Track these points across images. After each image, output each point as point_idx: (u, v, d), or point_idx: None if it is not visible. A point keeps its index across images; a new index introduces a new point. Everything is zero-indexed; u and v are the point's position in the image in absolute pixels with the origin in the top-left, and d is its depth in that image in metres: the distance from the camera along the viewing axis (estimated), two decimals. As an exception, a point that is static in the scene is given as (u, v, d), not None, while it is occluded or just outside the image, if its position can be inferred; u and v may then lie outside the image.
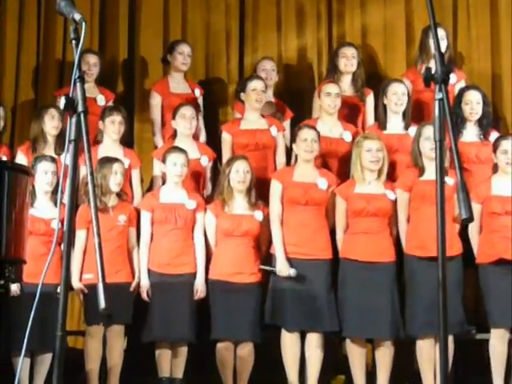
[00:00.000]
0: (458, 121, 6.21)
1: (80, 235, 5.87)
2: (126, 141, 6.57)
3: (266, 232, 5.99)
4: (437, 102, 2.70)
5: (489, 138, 6.29)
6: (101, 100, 6.77)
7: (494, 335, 5.71)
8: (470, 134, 6.30)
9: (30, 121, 6.56)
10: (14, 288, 5.51)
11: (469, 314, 5.87)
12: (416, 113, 6.50)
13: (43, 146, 6.34)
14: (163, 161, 6.09)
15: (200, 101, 6.98)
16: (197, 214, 6.04)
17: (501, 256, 5.69)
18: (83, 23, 2.84)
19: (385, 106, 6.41)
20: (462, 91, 6.40)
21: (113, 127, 6.31)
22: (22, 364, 5.49)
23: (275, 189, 6.00)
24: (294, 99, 7.28)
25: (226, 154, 6.45)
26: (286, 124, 6.84)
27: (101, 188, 5.87)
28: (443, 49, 6.40)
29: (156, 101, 6.87)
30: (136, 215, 6.05)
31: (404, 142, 6.30)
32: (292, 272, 5.80)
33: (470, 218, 2.54)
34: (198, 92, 6.98)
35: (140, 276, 5.92)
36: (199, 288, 5.92)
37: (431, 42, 6.56)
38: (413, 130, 6.28)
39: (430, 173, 5.73)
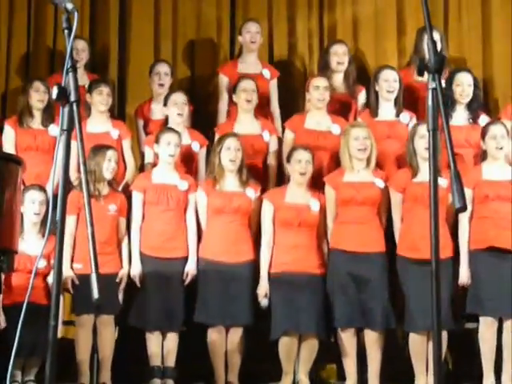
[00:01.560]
0: (448, 102, 6.18)
1: (70, 221, 5.76)
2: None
3: (258, 210, 5.96)
4: (430, 92, 2.70)
5: (478, 121, 6.28)
6: None
7: (482, 323, 5.70)
8: (460, 116, 6.28)
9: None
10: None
11: (458, 304, 5.88)
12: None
13: (30, 119, 6.34)
14: (156, 141, 6.07)
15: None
16: (189, 196, 6.02)
17: (492, 244, 5.67)
18: (75, 12, 2.84)
19: (376, 93, 6.41)
20: (453, 73, 6.37)
21: (100, 98, 6.31)
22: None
23: (267, 211, 5.95)
24: (285, 90, 7.25)
25: None
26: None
27: (94, 175, 5.82)
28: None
29: (139, 125, 6.89)
30: (127, 204, 6.04)
31: (395, 128, 6.32)
32: (263, 303, 5.81)
33: (464, 208, 2.54)
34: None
35: (132, 261, 5.90)
36: (190, 272, 5.90)
37: (425, 45, 6.55)
38: (404, 116, 6.32)
39: (424, 174, 5.69)
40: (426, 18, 2.73)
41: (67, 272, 5.74)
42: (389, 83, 6.34)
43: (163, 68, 6.82)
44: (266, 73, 6.89)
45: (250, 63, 6.89)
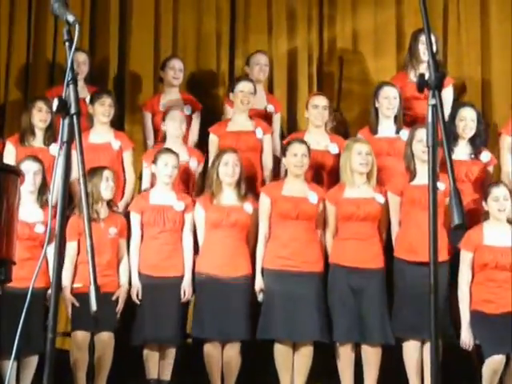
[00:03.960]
0: (451, 137, 6.17)
1: (70, 247, 5.81)
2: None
3: (255, 225, 5.96)
4: (430, 108, 2.70)
5: (480, 157, 6.27)
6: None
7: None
8: (461, 152, 6.25)
9: (19, 121, 6.54)
10: None
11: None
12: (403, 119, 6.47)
13: (32, 138, 6.36)
14: (154, 162, 6.08)
15: (194, 118, 6.94)
16: (185, 215, 6.02)
17: (488, 311, 5.68)
18: (76, 25, 2.83)
19: (376, 110, 6.41)
20: (457, 107, 6.38)
21: (103, 109, 6.35)
22: (11, 368, 5.46)
23: (263, 205, 5.97)
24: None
25: (212, 156, 6.40)
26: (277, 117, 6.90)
27: (92, 197, 5.80)
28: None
29: (146, 119, 6.90)
30: (127, 226, 6.03)
31: (395, 145, 6.30)
32: (260, 298, 5.83)
33: (462, 225, 2.53)
34: (188, 110, 6.89)
35: (131, 280, 5.90)
36: (186, 289, 5.90)
37: (420, 47, 6.60)
38: (404, 133, 6.29)
39: (421, 177, 5.76)
40: (426, 33, 2.74)
41: (67, 296, 5.76)
42: (389, 100, 6.35)
43: (179, 64, 6.97)
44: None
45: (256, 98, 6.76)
